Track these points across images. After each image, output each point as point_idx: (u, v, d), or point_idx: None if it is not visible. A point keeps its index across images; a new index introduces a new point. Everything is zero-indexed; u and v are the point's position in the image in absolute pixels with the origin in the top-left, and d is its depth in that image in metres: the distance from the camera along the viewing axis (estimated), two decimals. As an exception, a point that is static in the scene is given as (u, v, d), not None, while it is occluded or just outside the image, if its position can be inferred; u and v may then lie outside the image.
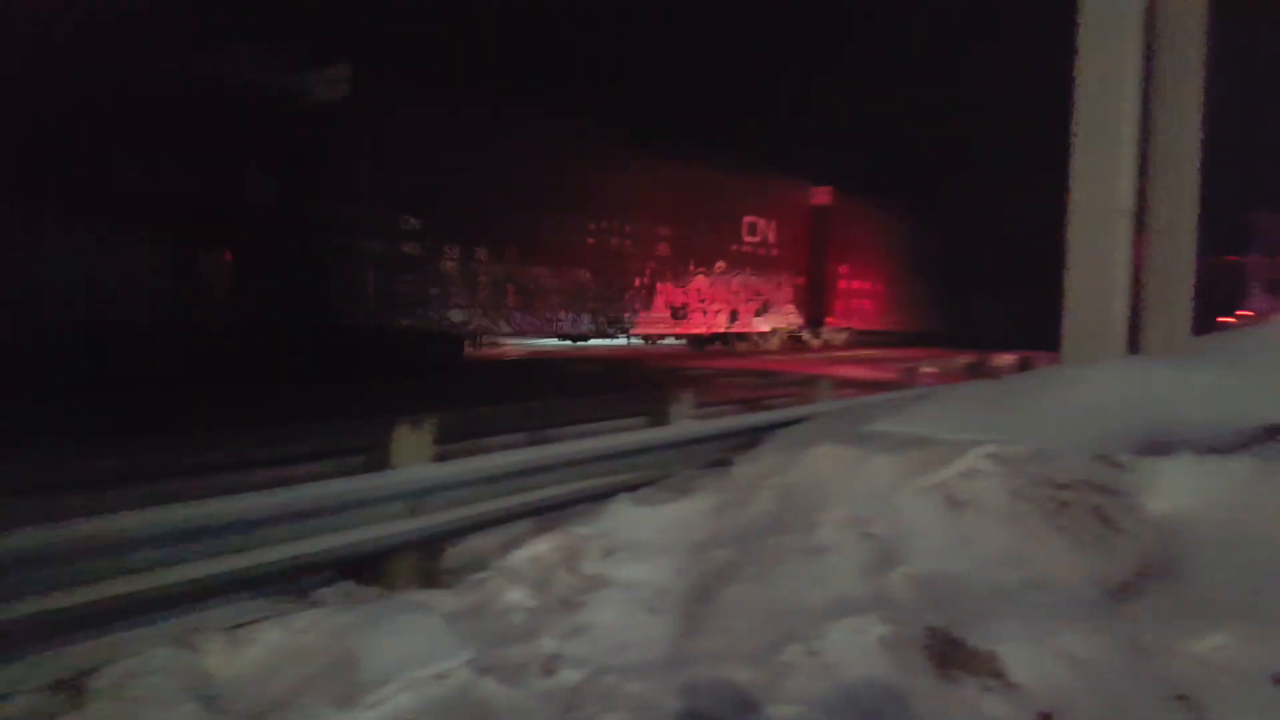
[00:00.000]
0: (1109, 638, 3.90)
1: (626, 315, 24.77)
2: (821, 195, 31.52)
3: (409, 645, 4.34)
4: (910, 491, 5.20)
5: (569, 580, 5.10)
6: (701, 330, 27.56)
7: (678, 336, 27.42)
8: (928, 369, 17.63)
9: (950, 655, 4.05)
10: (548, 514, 6.42)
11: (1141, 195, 11.54)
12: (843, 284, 32.43)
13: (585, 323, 23.50)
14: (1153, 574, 4.34)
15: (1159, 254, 13.64)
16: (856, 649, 4.21)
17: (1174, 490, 4.68)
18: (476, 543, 6.16)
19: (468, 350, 21.55)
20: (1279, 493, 4.46)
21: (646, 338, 26.52)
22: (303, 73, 17.71)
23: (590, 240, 23.60)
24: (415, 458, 5.70)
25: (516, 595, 4.97)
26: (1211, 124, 14.00)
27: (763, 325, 29.78)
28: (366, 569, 5.61)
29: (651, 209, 25.10)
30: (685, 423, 7.59)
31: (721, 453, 7.21)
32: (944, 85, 36.24)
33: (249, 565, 4.84)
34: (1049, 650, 3.94)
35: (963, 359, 19.72)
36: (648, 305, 25.39)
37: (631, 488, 6.39)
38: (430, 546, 5.81)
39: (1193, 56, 13.26)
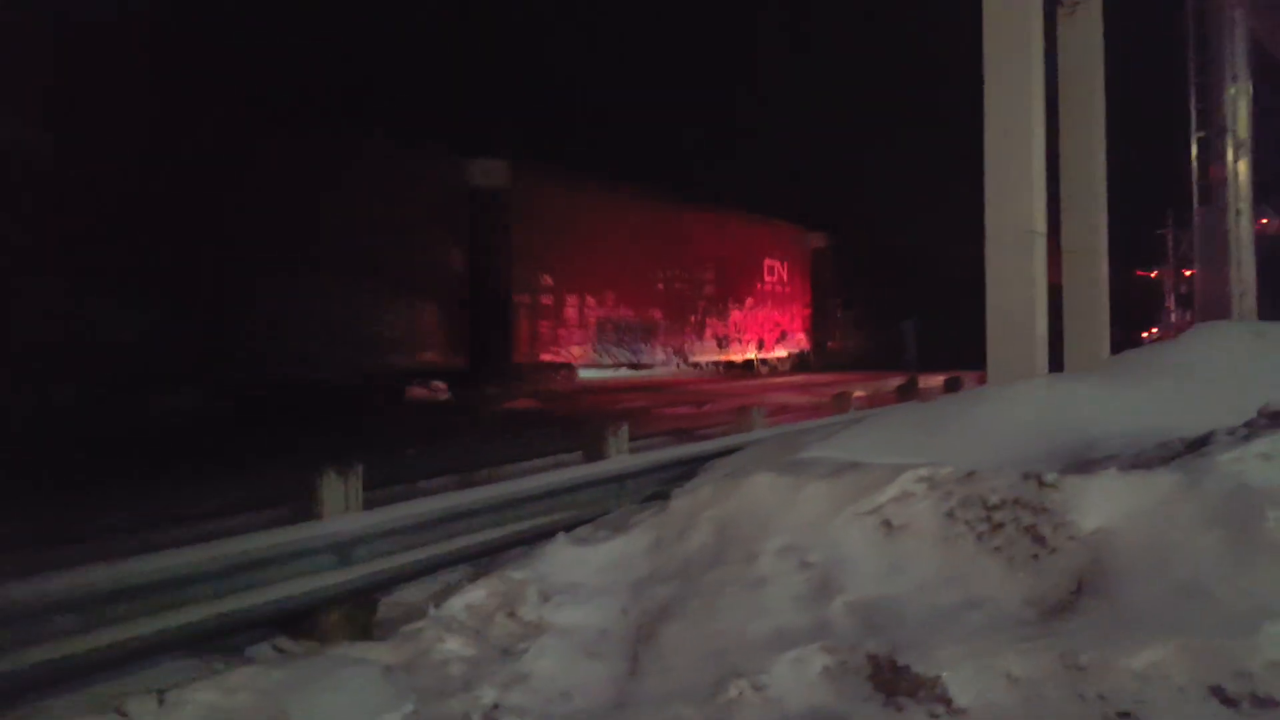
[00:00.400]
0: (1048, 656, 3.93)
1: (686, 346, 29.94)
2: (817, 239, 36.84)
3: (345, 701, 4.26)
4: (845, 518, 5.21)
5: (507, 627, 5.02)
6: (737, 357, 32.29)
7: (719, 363, 31.75)
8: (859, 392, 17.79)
9: (894, 682, 4.06)
10: (483, 558, 6.33)
11: (1055, 218, 11.83)
12: (839, 314, 36.84)
13: (658, 353, 28.75)
14: (1086, 590, 4.39)
15: (1075, 274, 14.00)
16: (801, 681, 4.21)
17: (1102, 506, 4.73)
18: (411, 592, 6.03)
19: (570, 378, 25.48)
20: (1203, 506, 4.54)
21: (697, 364, 30.75)
22: (471, 164, 22.94)
23: (660, 285, 28.97)
24: (344, 506, 5.58)
25: (453, 645, 4.88)
26: (1121, 142, 14.44)
27: (781, 351, 34.45)
28: (299, 623, 5.47)
29: (700, 256, 30.37)
30: (621, 457, 7.55)
31: (659, 485, 7.17)
32: (869, 113, 36.86)
33: (177, 624, 4.70)
34: (991, 672, 3.96)
35: (893, 381, 19.96)
36: (700, 337, 30.52)
37: (569, 526, 6.31)
38: (363, 597, 5.68)
39: (1095, 79, 13.68)
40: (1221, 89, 25.01)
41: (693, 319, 30.03)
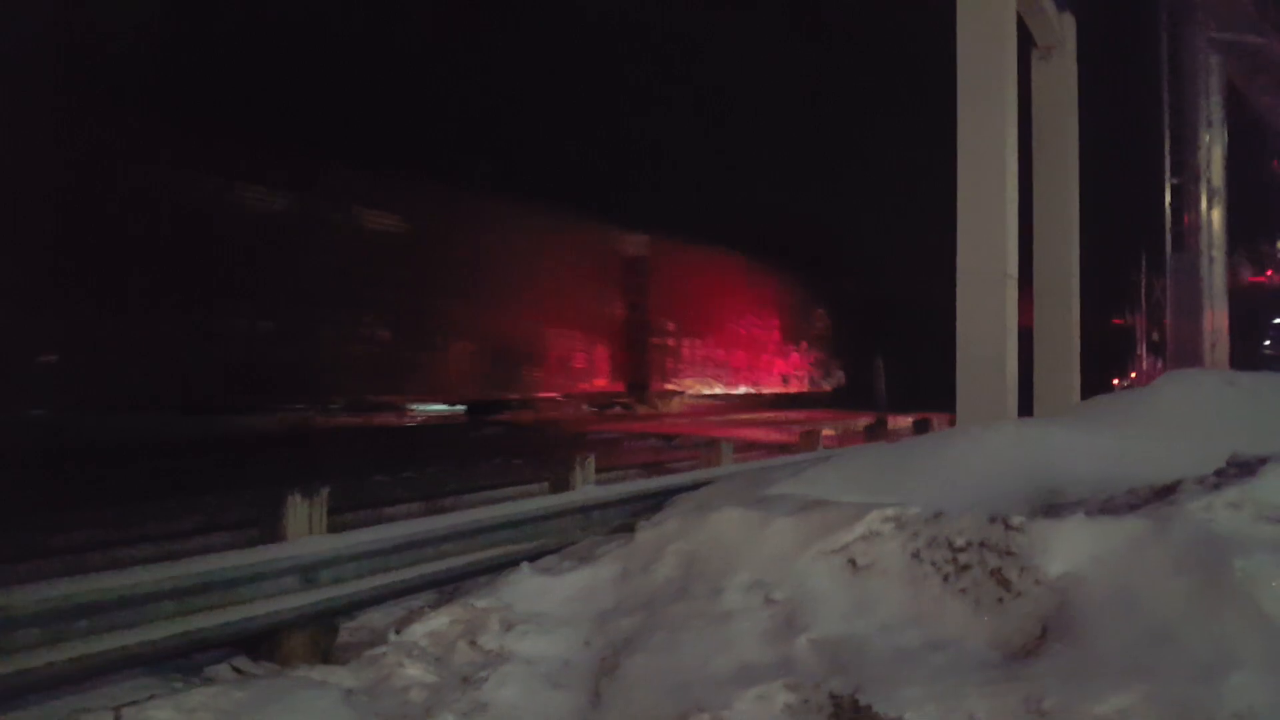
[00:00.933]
0: (1012, 700, 3.92)
1: (758, 380, 36.57)
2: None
3: (304, 724, 4.20)
4: (812, 555, 5.20)
5: (469, 655, 4.99)
6: (779, 389, 37.92)
7: (783, 395, 37.25)
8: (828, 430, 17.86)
9: (856, 721, 4.04)
10: (447, 585, 6.29)
11: (1027, 263, 11.92)
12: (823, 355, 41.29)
13: (739, 385, 35.75)
14: (1052, 634, 4.38)
15: (1047, 317, 14.11)
16: (763, 717, 4.20)
17: (1069, 551, 4.74)
18: (374, 616, 6.01)
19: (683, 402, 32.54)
20: (1171, 553, 4.55)
21: (759, 395, 36.06)
22: (626, 236, 31.21)
23: (743, 330, 36.58)
24: (308, 529, 5.54)
25: (415, 671, 4.85)
26: (1095, 187, 14.59)
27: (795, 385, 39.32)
28: (260, 645, 5.42)
29: (767, 306, 37.05)
30: (588, 488, 7.53)
31: (625, 518, 7.15)
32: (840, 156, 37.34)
33: (138, 642, 4.67)
34: (954, 714, 3.94)
35: (862, 421, 20.02)
36: (770, 372, 37.37)
37: (533, 556, 6.28)
38: (326, 621, 5.63)
39: (1070, 122, 13.83)
40: (1196, 135, 25.23)
41: (764, 359, 37.07)
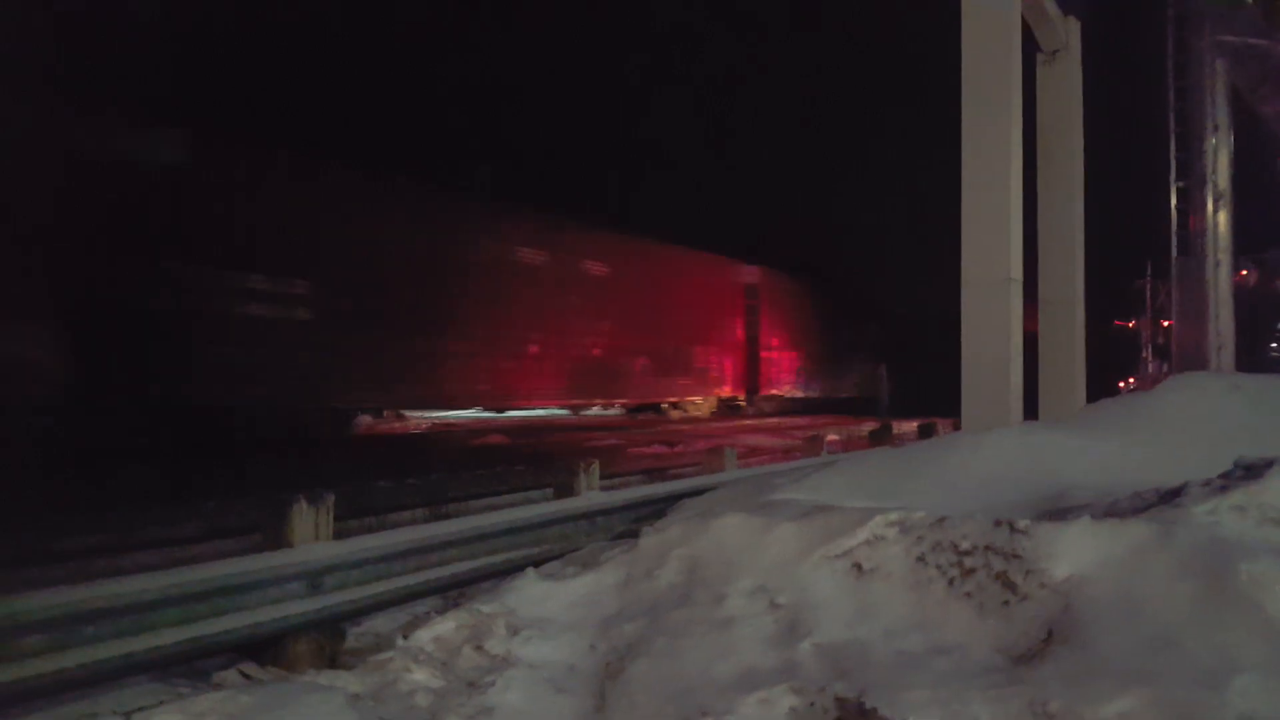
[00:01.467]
0: (1017, 704, 3.92)
1: (807, 384, 39.90)
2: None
3: (311, 729, 4.21)
4: (816, 560, 5.21)
5: (474, 660, 5.00)
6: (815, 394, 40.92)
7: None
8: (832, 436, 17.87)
9: (861, 726, 4.04)
10: (452, 591, 6.30)
11: (1032, 267, 11.91)
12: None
13: (816, 388, 40.33)
14: (1057, 638, 4.38)
15: (1052, 322, 14.08)
16: (767, 721, 4.18)
17: (1074, 555, 4.73)
18: (379, 622, 6.01)
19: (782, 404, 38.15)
20: (1176, 557, 4.54)
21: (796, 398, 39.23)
22: (743, 267, 35.82)
23: (816, 343, 40.21)
24: (314, 535, 5.55)
25: (420, 676, 4.86)
26: (1100, 191, 14.57)
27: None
28: (266, 650, 5.42)
29: (808, 320, 39.69)
30: (592, 494, 7.53)
31: (629, 523, 7.16)
32: (844, 157, 37.56)
33: (145, 648, 4.67)
34: (959, 718, 3.94)
35: (866, 426, 20.01)
36: (812, 379, 40.41)
37: (538, 562, 6.29)
38: (331, 626, 5.63)
39: (1075, 127, 13.82)
40: (1202, 139, 25.17)
41: (813, 366, 40.31)
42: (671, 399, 33.33)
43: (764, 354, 37.06)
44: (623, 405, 32.95)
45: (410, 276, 21.60)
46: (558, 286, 26.70)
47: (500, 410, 28.33)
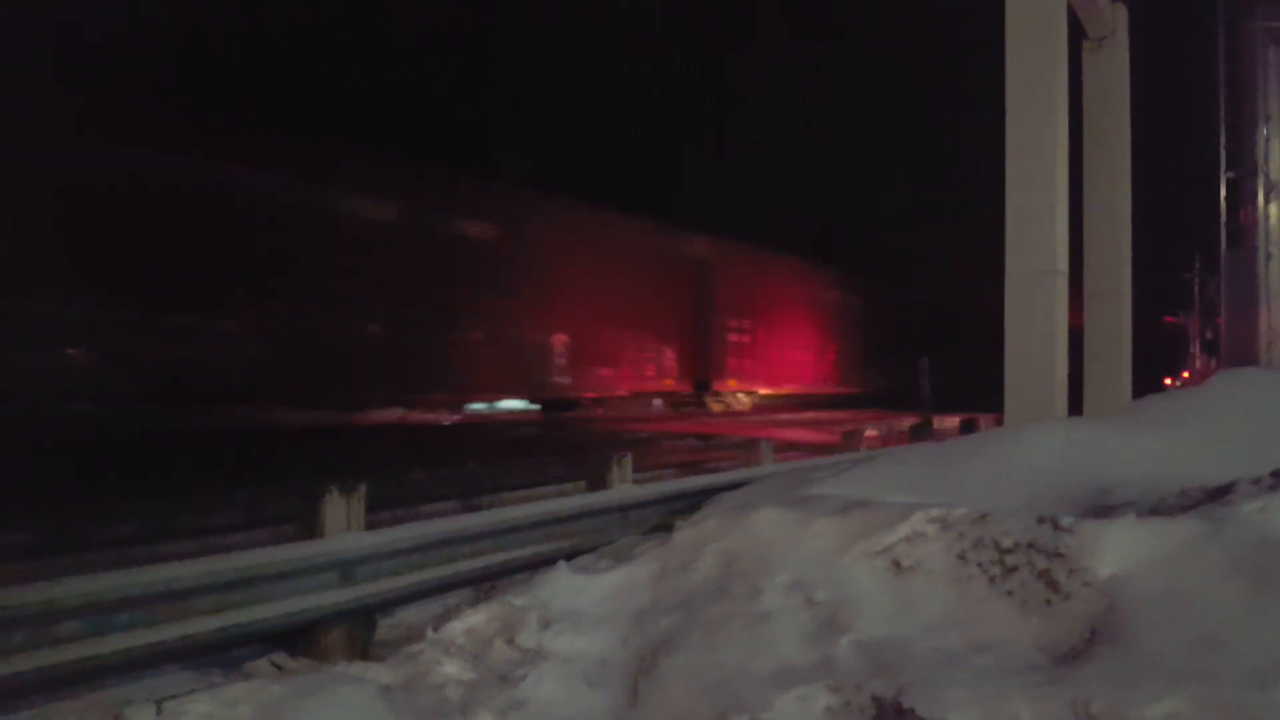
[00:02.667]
0: (1059, 703, 3.82)
1: (847, 379, 39.07)
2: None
3: (342, 719, 4.18)
4: (854, 556, 5.13)
5: (506, 653, 4.96)
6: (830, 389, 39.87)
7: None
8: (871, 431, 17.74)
9: (898, 725, 3.96)
10: (484, 583, 6.28)
11: (1078, 260, 11.70)
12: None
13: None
14: (1100, 638, 4.28)
15: (1097, 316, 13.85)
16: (803, 719, 4.11)
17: (1119, 553, 4.63)
18: (411, 613, 6.01)
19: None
20: (1224, 555, 4.42)
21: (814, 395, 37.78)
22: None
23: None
24: (345, 525, 5.54)
25: (452, 668, 4.83)
26: (1148, 182, 14.31)
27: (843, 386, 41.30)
28: (298, 640, 5.44)
29: (848, 315, 39.45)
30: (625, 487, 7.48)
31: (663, 517, 7.11)
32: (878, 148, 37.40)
33: (178, 636, 4.72)
34: (999, 717, 3.86)
35: (906, 421, 19.83)
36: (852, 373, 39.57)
37: (570, 555, 6.25)
38: (363, 617, 5.64)
39: (1122, 116, 13.58)
40: (1254, 129, 24.70)
41: (834, 359, 39.69)
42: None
43: (802, 350, 36.74)
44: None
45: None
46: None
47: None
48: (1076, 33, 12.90)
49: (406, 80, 26.21)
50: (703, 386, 33.59)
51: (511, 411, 26.68)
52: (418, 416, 23.16)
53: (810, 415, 29.79)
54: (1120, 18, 13.88)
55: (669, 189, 31.95)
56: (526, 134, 29.22)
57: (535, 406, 27.25)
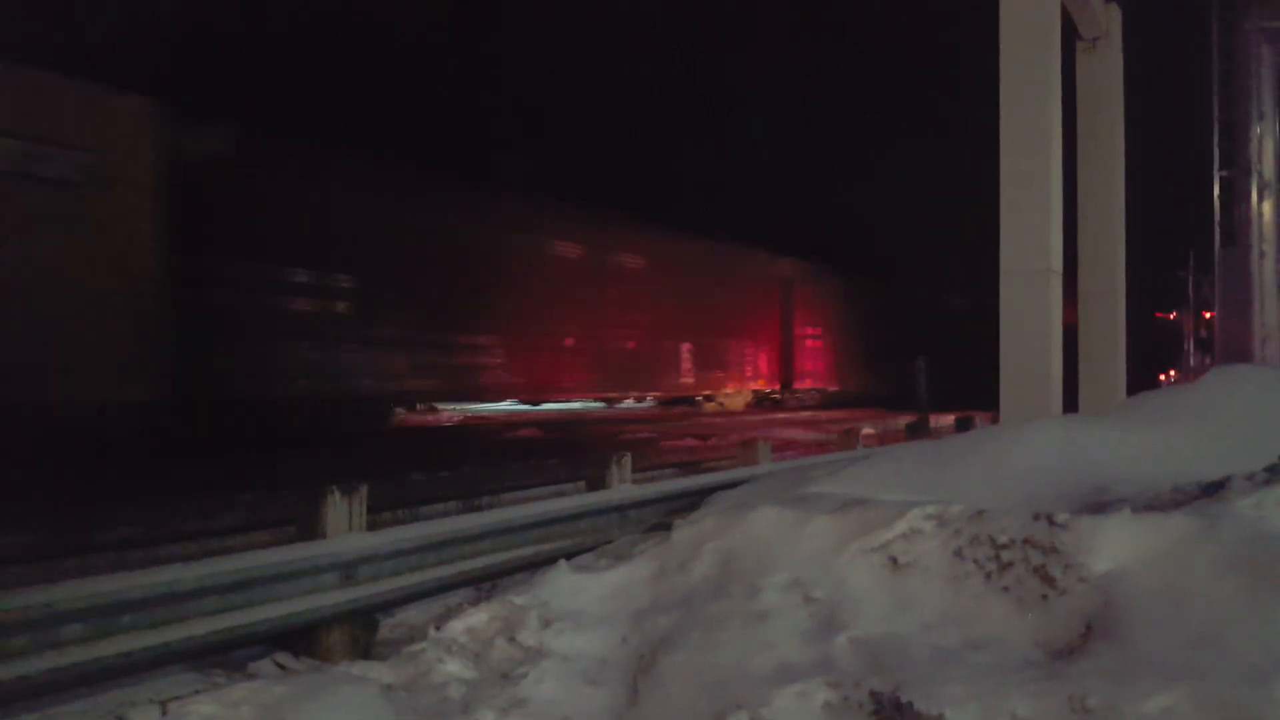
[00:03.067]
0: (1055, 699, 3.86)
1: (843, 377, 38.65)
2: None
3: (345, 719, 4.21)
4: (851, 554, 5.16)
5: (507, 652, 4.99)
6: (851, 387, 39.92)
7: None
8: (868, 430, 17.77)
9: (897, 719, 4.00)
10: (485, 583, 6.31)
11: (1071, 259, 11.75)
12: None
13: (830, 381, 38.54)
14: (1096, 633, 4.31)
15: (1091, 314, 13.92)
16: (802, 715, 4.16)
17: (1115, 548, 4.66)
18: (412, 613, 6.03)
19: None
20: (1220, 551, 4.46)
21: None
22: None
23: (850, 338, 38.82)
24: (347, 526, 5.56)
25: (453, 667, 4.86)
26: (1142, 181, 14.35)
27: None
28: (300, 641, 5.46)
29: (844, 314, 38.55)
30: (624, 487, 7.51)
31: (662, 516, 7.14)
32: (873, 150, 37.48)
33: (182, 637, 4.72)
34: (996, 712, 3.89)
35: (902, 420, 19.87)
36: (848, 372, 38.85)
37: (570, 554, 6.28)
38: (365, 617, 5.66)
39: (1115, 115, 13.63)
40: (1247, 127, 24.74)
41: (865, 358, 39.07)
42: (707, 391, 32.39)
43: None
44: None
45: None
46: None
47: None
48: (1070, 33, 12.95)
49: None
50: (787, 386, 36.09)
51: (651, 408, 32.39)
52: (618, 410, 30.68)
53: (808, 414, 30.12)
54: (1114, 18, 13.96)
55: (649, 182, 32.67)
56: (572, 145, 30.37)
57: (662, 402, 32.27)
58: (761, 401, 34.82)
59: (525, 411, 27.87)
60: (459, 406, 27.82)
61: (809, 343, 37.10)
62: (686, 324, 30.06)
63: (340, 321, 18.34)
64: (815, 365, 37.50)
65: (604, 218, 26.56)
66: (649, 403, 32.90)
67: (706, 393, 32.48)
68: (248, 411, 16.40)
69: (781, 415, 29.85)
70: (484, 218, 22.14)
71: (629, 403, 31.95)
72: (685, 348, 30.41)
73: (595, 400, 30.03)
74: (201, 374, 15.05)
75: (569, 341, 25.70)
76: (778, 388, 35.58)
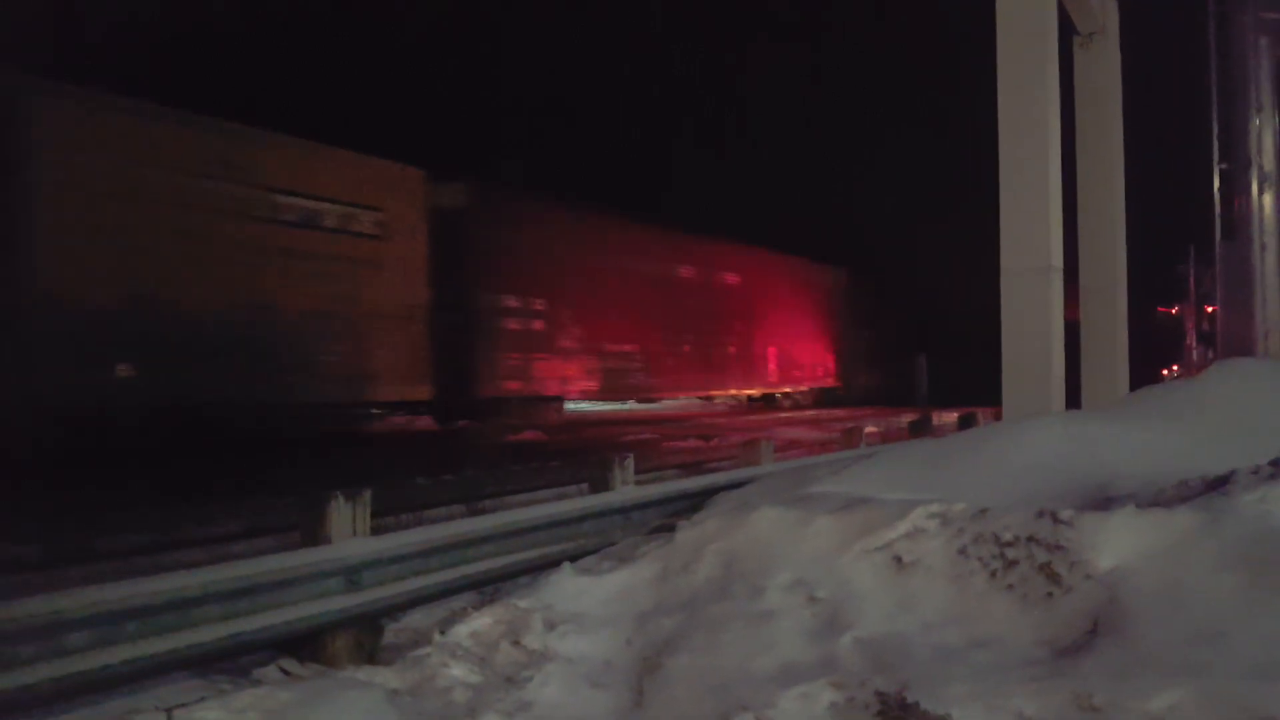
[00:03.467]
0: (1061, 697, 3.85)
1: (845, 376, 39.77)
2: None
3: (350, 724, 4.22)
4: (855, 553, 5.16)
5: (512, 655, 4.99)
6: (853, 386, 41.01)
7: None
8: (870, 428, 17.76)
9: (902, 719, 3.99)
10: (489, 586, 6.30)
11: (1072, 255, 11.74)
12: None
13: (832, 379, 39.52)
14: (1101, 631, 4.31)
15: (1093, 310, 13.91)
16: (807, 716, 4.16)
17: (1119, 545, 4.66)
18: (417, 617, 6.02)
19: None
20: (1224, 546, 4.45)
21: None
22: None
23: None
24: (351, 531, 5.56)
25: (458, 671, 4.85)
26: (1141, 175, 14.34)
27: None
28: (305, 646, 5.45)
29: (844, 312, 39.27)
30: (627, 489, 7.50)
31: (665, 518, 7.13)
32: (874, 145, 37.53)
33: (187, 644, 4.71)
34: (1001, 711, 3.89)
35: (905, 417, 19.85)
36: (850, 371, 39.85)
37: (573, 557, 6.28)
38: (369, 622, 5.65)
39: (1114, 109, 13.63)
40: (1246, 119, 24.61)
41: (867, 357, 39.95)
42: (786, 389, 35.76)
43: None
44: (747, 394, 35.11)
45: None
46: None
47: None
48: (1067, 29, 12.95)
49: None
50: (844, 383, 38.53)
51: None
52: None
53: (811, 414, 30.39)
54: (1110, 12, 13.96)
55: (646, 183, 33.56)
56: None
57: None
58: (820, 399, 37.08)
59: (643, 410, 31.24)
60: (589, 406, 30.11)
61: (845, 343, 39.10)
62: (771, 330, 33.91)
63: (536, 337, 23.22)
64: (854, 363, 39.42)
65: (706, 239, 30.77)
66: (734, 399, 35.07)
67: (785, 389, 35.95)
68: (481, 406, 21.76)
69: (841, 412, 31.03)
70: (623, 246, 26.90)
71: (722, 399, 34.92)
72: (771, 350, 34.30)
73: (700, 397, 33.43)
74: (450, 378, 20.48)
75: (686, 348, 30.36)
76: (838, 385, 38.15)
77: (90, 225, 14.33)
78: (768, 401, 35.12)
